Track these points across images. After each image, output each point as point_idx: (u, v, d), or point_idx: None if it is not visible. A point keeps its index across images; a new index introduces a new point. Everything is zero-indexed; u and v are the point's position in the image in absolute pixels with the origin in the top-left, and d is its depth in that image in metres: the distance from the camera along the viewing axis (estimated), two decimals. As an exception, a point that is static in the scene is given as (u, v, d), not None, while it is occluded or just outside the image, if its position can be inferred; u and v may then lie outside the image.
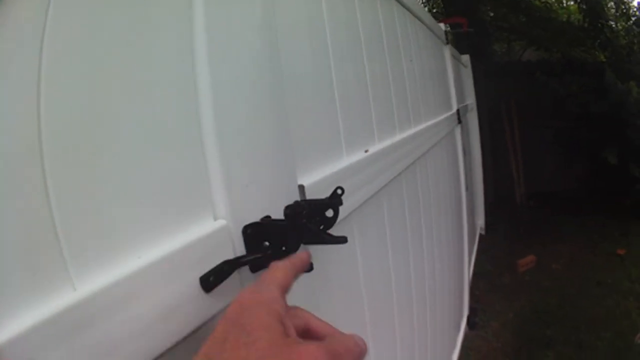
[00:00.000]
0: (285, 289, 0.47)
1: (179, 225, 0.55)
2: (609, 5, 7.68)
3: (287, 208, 0.71)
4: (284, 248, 0.63)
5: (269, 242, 0.63)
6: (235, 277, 0.59)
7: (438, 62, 3.05)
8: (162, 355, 0.48)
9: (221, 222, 0.60)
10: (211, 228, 0.58)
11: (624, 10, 7.59)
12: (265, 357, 0.36)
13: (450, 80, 3.39)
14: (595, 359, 3.24)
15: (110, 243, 0.47)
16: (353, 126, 1.19)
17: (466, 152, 4.24)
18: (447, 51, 3.43)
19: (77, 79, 0.45)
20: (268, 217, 0.67)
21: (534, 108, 6.74)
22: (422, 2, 10.13)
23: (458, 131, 3.47)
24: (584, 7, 6.75)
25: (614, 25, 7.09)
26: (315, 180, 0.88)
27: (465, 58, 5.54)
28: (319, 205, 0.72)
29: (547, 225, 5.94)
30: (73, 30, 0.45)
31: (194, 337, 0.53)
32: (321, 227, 0.71)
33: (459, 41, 6.49)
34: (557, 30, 7.30)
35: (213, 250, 0.57)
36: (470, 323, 3.59)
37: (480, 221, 5.84)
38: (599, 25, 6.50)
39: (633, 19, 7.20)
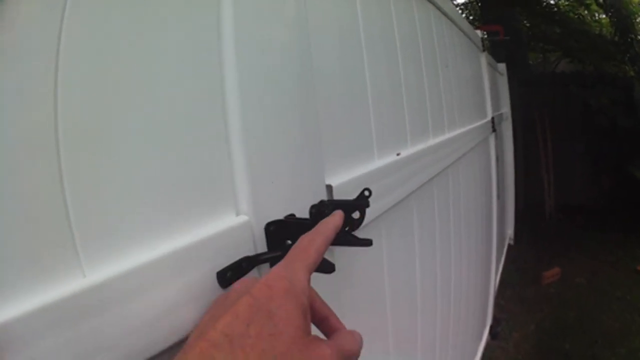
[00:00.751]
0: (313, 270, 0.45)
1: (199, 218, 0.54)
2: (637, 20, 7.54)
3: (313, 207, 0.69)
4: None
5: (291, 240, 0.61)
6: (254, 274, 0.58)
7: (474, 69, 3.00)
8: (172, 347, 0.47)
9: (243, 218, 0.58)
10: (232, 223, 0.56)
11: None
12: (285, 353, 0.35)
13: (486, 88, 3.33)
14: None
15: (125, 233, 0.45)
16: (386, 128, 1.16)
17: (499, 160, 4.18)
18: (484, 58, 3.36)
19: (101, 69, 0.44)
20: (292, 215, 0.65)
21: (567, 119, 6.65)
22: (460, 9, 10.06)
23: (492, 139, 3.41)
24: (615, 20, 6.63)
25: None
26: (344, 180, 0.86)
27: (502, 66, 5.46)
28: (345, 206, 0.69)
29: (574, 238, 5.87)
30: (92, 23, 0.44)
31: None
32: (347, 229, 0.69)
33: (495, 49, 6.43)
34: (590, 43, 7.19)
35: (233, 245, 0.55)
36: (492, 333, 3.55)
37: (510, 231, 5.76)
38: (629, 39, 6.37)
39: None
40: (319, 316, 0.48)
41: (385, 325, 1.16)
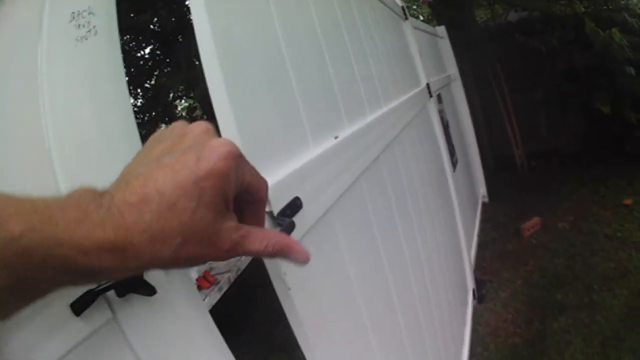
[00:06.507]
0: None
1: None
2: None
3: None
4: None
5: None
6: (101, 302, 0.62)
7: (398, 39, 2.97)
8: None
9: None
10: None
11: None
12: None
13: (415, 56, 3.28)
14: (611, 321, 2.98)
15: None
16: (318, 112, 1.10)
17: (448, 124, 4.16)
18: (408, 26, 3.33)
19: None
20: None
21: (522, 69, 6.65)
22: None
23: (432, 105, 3.36)
24: (557, -44, 6.66)
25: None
26: (273, 182, 0.80)
27: (441, 30, 5.50)
28: None
29: (550, 184, 5.70)
30: None
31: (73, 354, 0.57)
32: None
33: (437, 13, 6.46)
34: (533, -12, 7.20)
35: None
36: (478, 297, 3.49)
37: (482, 190, 5.76)
38: (572, -26, 6.42)
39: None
40: None
41: (363, 325, 1.14)
